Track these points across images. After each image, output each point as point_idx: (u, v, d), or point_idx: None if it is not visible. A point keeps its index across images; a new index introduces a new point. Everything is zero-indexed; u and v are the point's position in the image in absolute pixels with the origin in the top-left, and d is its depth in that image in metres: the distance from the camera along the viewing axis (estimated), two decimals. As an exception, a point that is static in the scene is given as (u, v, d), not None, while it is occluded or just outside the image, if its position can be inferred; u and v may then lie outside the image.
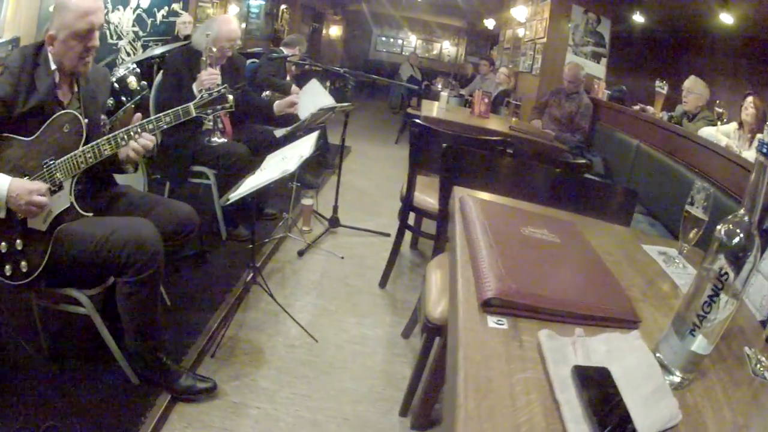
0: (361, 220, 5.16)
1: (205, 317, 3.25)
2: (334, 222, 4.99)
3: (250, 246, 3.52)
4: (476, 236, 1.51)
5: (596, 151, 6.34)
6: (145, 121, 2.55)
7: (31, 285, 2.45)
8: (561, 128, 6.75)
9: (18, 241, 2.35)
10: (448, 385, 1.06)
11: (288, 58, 6.03)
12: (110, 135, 2.48)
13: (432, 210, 3.71)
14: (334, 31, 21.12)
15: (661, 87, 6.26)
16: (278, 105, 4.68)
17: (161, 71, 4.38)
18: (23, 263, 2.36)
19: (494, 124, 6.22)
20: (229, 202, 3.10)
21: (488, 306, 1.19)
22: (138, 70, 4.62)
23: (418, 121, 3.78)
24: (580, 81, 6.93)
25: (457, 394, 0.92)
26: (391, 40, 22.34)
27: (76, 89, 2.62)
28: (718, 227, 1.03)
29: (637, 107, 6.22)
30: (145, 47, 6.88)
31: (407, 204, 3.81)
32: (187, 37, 6.70)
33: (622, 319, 1.22)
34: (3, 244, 2.33)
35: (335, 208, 5.01)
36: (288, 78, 6.44)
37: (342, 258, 4.46)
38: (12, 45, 5.53)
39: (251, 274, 3.60)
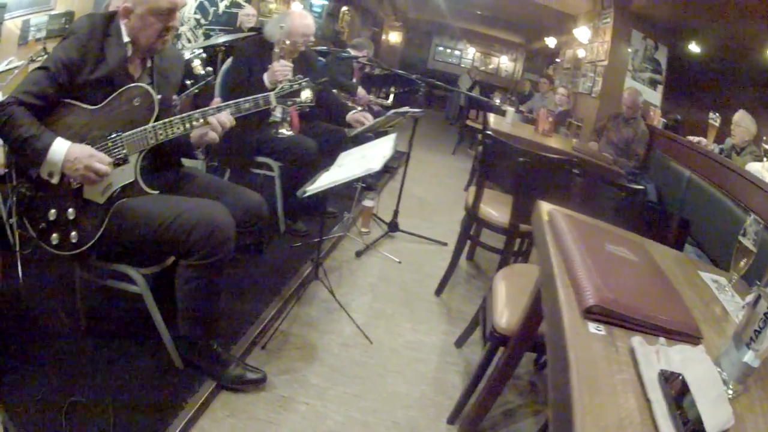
0: (418, 227, 5.11)
1: (258, 308, 3.22)
2: (393, 226, 4.96)
3: (316, 240, 3.48)
4: (569, 248, 1.61)
5: (650, 178, 6.25)
6: (223, 104, 2.52)
7: (79, 257, 2.42)
8: (618, 153, 6.70)
9: (70, 210, 2.33)
10: (555, 382, 1.19)
11: (358, 60, 6.04)
12: (184, 114, 2.45)
13: (495, 222, 3.66)
14: (394, 37, 21.03)
15: (714, 119, 6.14)
16: (349, 116, 4.67)
17: (230, 58, 4.39)
18: (73, 233, 2.33)
19: (557, 142, 6.22)
20: (306, 195, 3.02)
21: (589, 313, 1.30)
22: (204, 54, 4.65)
23: (491, 133, 3.73)
24: (639, 107, 6.89)
25: (571, 391, 1.03)
26: (449, 50, 22.25)
27: (148, 65, 2.59)
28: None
29: (693, 139, 6.10)
30: (207, 36, 6.96)
31: (473, 215, 3.74)
32: (251, 29, 6.75)
33: (690, 335, 1.33)
34: (53, 211, 2.31)
35: (396, 213, 4.98)
36: (354, 80, 6.43)
37: (399, 263, 4.42)
38: (65, 18, 5.58)
39: (312, 269, 3.56)
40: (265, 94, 2.66)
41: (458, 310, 3.83)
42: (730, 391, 1.17)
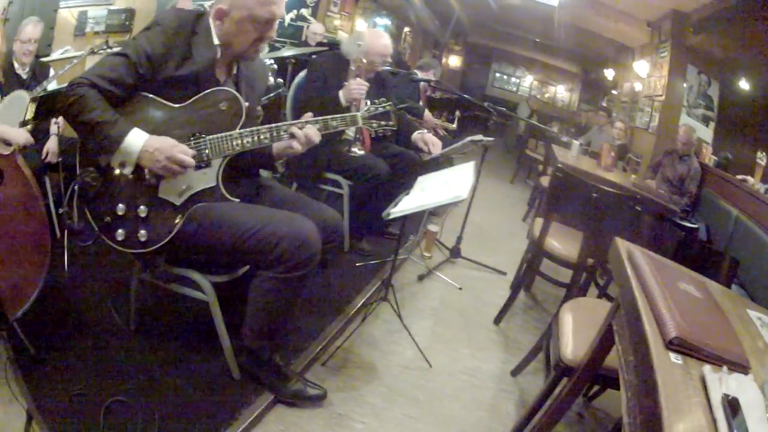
0: (478, 255, 5.11)
1: (320, 324, 3.24)
2: (455, 252, 4.98)
3: (387, 260, 3.52)
4: (650, 284, 1.71)
5: (700, 216, 6.23)
6: (312, 119, 2.50)
7: (144, 257, 2.41)
8: (672, 190, 6.70)
9: (142, 207, 2.26)
10: (640, 403, 1.38)
11: (429, 83, 6.08)
12: (272, 125, 2.40)
13: (560, 255, 3.68)
14: (454, 61, 20.84)
15: (761, 158, 6.08)
16: (415, 135, 4.71)
17: (302, 72, 4.43)
18: (142, 232, 2.27)
19: (617, 177, 6.23)
20: (390, 218, 3.03)
21: (671, 344, 1.43)
22: (275, 66, 4.72)
23: (561, 166, 3.77)
24: (693, 144, 6.88)
25: (661, 410, 1.19)
26: (505, 77, 22.02)
27: (234, 71, 2.55)
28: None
29: (739, 177, 6.04)
30: (272, 48, 7.09)
31: (538, 247, 3.76)
32: (320, 44, 6.84)
33: (743, 365, 1.45)
34: (121, 206, 2.25)
35: (459, 239, 5.00)
36: (421, 102, 6.46)
37: (460, 289, 4.44)
38: (125, 15, 5.68)
39: (381, 289, 3.58)
40: (353, 114, 2.65)
41: (515, 340, 3.83)
42: None
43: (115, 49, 2.38)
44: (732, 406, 1.23)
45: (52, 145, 3.60)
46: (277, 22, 2.41)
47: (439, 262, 4.83)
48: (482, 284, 4.69)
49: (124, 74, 2.20)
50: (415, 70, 6.20)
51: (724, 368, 1.38)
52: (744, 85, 8.55)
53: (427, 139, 4.54)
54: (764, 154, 6.05)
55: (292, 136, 2.45)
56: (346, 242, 4.38)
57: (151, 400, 2.32)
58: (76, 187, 2.33)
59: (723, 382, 1.32)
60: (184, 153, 2.21)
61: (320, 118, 2.52)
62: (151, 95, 2.29)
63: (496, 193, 8.96)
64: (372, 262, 4.24)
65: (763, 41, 6.92)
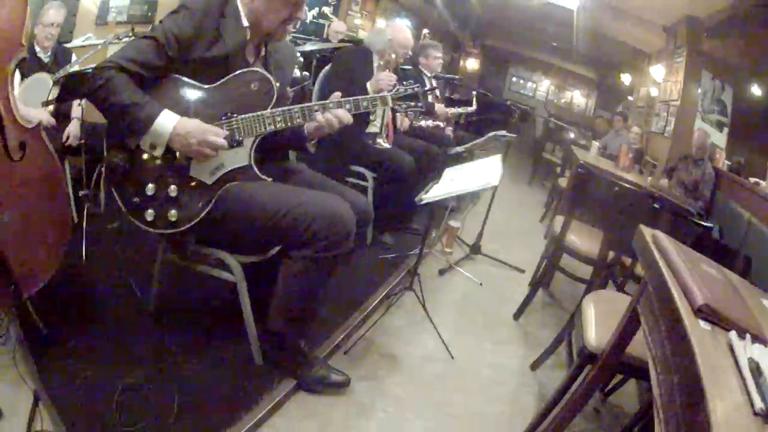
0: (496, 252, 5.16)
1: (344, 314, 3.27)
2: (476, 248, 5.03)
3: (411, 253, 3.57)
4: (675, 261, 1.78)
5: (714, 220, 6.22)
6: (343, 99, 2.47)
7: (173, 237, 2.41)
8: (686, 194, 6.74)
9: (173, 187, 2.27)
10: (678, 365, 1.43)
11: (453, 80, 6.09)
12: (303, 105, 2.39)
13: (580, 251, 3.73)
14: (471, 63, 20.89)
15: None
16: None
17: (327, 66, 4.48)
18: (173, 212, 2.27)
19: (635, 178, 6.31)
20: (423, 202, 3.09)
21: (699, 311, 1.51)
22: (301, 59, 4.77)
23: (584, 163, 3.82)
24: (707, 149, 6.95)
25: (699, 370, 1.25)
26: (522, 81, 21.99)
27: (262, 53, 2.56)
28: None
29: (752, 180, 6.07)
30: (294, 43, 7.15)
31: (559, 243, 3.80)
32: (341, 41, 6.89)
33: (764, 338, 1.51)
34: (150, 186, 2.25)
35: (480, 235, 5.05)
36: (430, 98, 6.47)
37: (480, 284, 4.47)
38: (147, 6, 5.71)
39: (408, 278, 3.63)
40: (383, 94, 2.63)
41: (534, 335, 3.87)
42: None
43: (143, 33, 2.39)
44: (758, 369, 1.30)
45: (73, 128, 3.63)
46: (306, 2, 2.44)
47: (460, 257, 4.87)
48: (501, 280, 4.73)
49: (152, 57, 2.22)
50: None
51: (748, 336, 1.46)
52: (757, 90, 8.58)
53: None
54: None
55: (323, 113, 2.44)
56: (368, 235, 4.40)
57: (168, 385, 2.31)
58: (102, 168, 2.31)
59: (747, 349, 1.39)
60: (216, 135, 2.23)
61: (351, 98, 2.51)
62: (179, 77, 2.31)
63: (514, 194, 8.98)
64: (393, 255, 4.28)
65: None
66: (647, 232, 2.11)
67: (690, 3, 8.17)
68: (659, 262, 1.83)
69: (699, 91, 8.78)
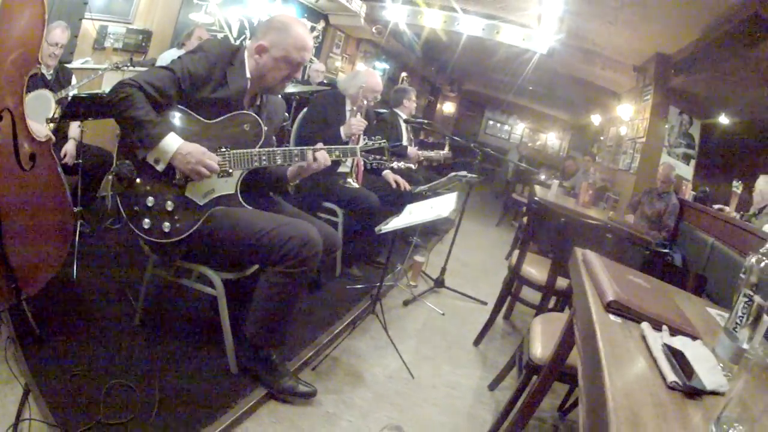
0: (461, 287, 5.35)
1: (312, 334, 3.47)
2: (439, 282, 5.22)
3: (375, 285, 3.78)
4: (595, 268, 2.02)
5: (677, 248, 6.50)
6: (319, 147, 2.80)
7: (163, 250, 2.65)
8: (650, 225, 7.02)
9: (169, 202, 2.56)
10: (585, 350, 1.60)
11: (423, 124, 6.33)
12: (284, 149, 2.73)
13: (534, 280, 3.99)
14: (448, 107, 21.38)
15: (737, 187, 6.36)
16: (386, 173, 5.13)
17: (305, 109, 4.74)
18: (167, 224, 2.55)
19: (595, 213, 6.55)
20: (381, 232, 3.36)
21: (609, 307, 1.68)
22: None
23: (538, 199, 4.07)
24: (672, 181, 7.24)
25: (600, 353, 1.38)
26: (498, 125, 22.40)
27: (257, 103, 2.91)
28: (750, 258, 1.53)
29: (716, 206, 6.34)
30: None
31: (515, 273, 4.05)
32: (321, 84, 7.14)
33: (689, 333, 1.64)
34: (151, 198, 2.53)
35: (443, 270, 5.26)
36: (404, 141, 6.65)
37: (443, 314, 4.67)
38: (142, 36, 5.93)
39: (370, 303, 3.86)
40: (353, 146, 2.98)
41: (493, 360, 4.05)
42: (722, 366, 1.46)
43: (163, 64, 2.66)
44: (673, 352, 1.42)
45: (70, 147, 3.84)
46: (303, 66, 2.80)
47: (424, 290, 5.07)
48: (464, 312, 4.92)
49: (167, 85, 2.55)
50: (394, 108, 6.30)
51: (665, 328, 1.61)
52: (724, 119, 8.99)
53: (398, 180, 5.01)
54: (740, 182, 6.33)
55: (314, 158, 2.78)
56: (337, 267, 4.65)
57: (151, 386, 2.52)
58: (110, 176, 2.57)
59: (664, 337, 1.54)
60: (211, 159, 2.55)
61: (326, 147, 2.84)
62: (186, 109, 2.65)
63: (482, 235, 9.23)
64: (361, 285, 4.51)
65: (740, 76, 7.26)
66: (579, 251, 2.37)
67: (659, 41, 8.48)
68: (582, 273, 2.07)
69: (666, 126, 9.10)
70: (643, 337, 1.56)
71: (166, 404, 2.45)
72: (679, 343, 1.50)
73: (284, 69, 2.74)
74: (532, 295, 4.28)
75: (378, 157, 3.04)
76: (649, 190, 7.52)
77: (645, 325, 1.61)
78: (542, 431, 3.27)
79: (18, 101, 2.30)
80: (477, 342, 4.24)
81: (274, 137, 3.18)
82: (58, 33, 3.97)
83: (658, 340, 1.51)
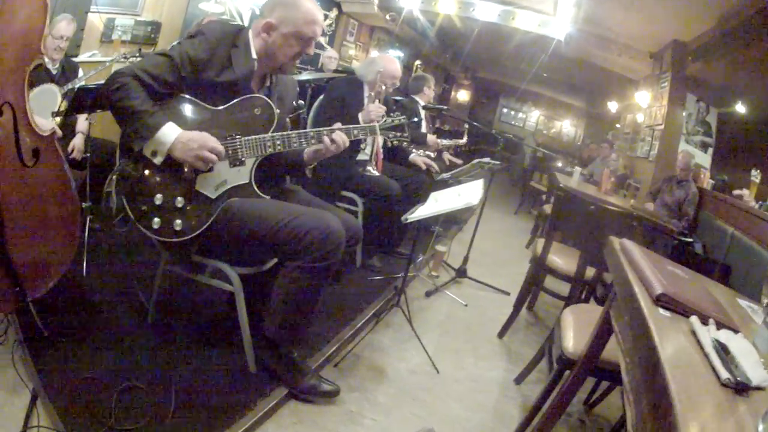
0: (482, 276, 5.26)
1: (334, 329, 3.36)
2: (461, 272, 5.13)
3: (397, 276, 3.70)
4: (637, 260, 1.92)
5: (698, 237, 6.35)
6: (336, 127, 2.65)
7: (176, 247, 2.51)
8: (670, 214, 6.88)
9: (179, 198, 2.40)
10: (637, 346, 1.52)
11: (442, 110, 6.22)
12: (300, 131, 2.58)
13: (561, 270, 3.86)
14: (463, 95, 21.23)
15: (755, 176, 6.24)
16: (413, 157, 4.99)
17: (321, 96, 4.67)
18: (178, 221, 2.40)
19: (616, 201, 6.48)
20: (408, 221, 3.25)
21: (659, 300, 1.61)
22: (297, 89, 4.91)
23: (563, 186, 3.96)
24: (691, 170, 7.12)
25: (656, 347, 1.32)
26: (512, 112, 22.28)
27: (267, 85, 2.74)
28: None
29: (736, 192, 6.22)
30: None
31: (541, 263, 3.93)
32: (336, 71, 7.04)
33: (732, 327, 1.59)
34: (159, 196, 2.38)
35: (465, 259, 5.17)
36: (423, 128, 6.57)
37: (466, 305, 4.58)
38: (151, 27, 5.84)
39: (395, 296, 3.77)
40: (372, 124, 2.82)
41: (518, 353, 3.95)
42: (763, 360, 1.40)
43: (160, 50, 2.53)
44: (723, 348, 1.38)
45: (78, 142, 3.75)
46: (314, 42, 2.62)
47: (446, 280, 4.97)
48: (486, 302, 4.83)
49: (165, 72, 2.39)
50: (412, 96, 6.24)
51: (711, 321, 1.55)
52: (740, 108, 8.82)
53: (428, 162, 4.95)
54: (758, 171, 6.21)
55: (332, 141, 2.63)
56: (358, 258, 4.55)
57: (166, 388, 2.39)
58: (114, 177, 2.42)
59: (711, 331, 1.48)
60: (215, 142, 2.39)
61: (344, 126, 2.69)
62: (190, 97, 2.48)
63: (501, 223, 9.14)
64: (381, 277, 4.40)
65: (758, 65, 7.12)
66: (616, 241, 2.25)
67: (675, 28, 8.35)
68: (623, 263, 1.97)
69: (684, 114, 8.97)
70: (693, 332, 1.50)
71: (182, 407, 2.33)
72: (724, 336, 1.47)
73: (295, 45, 2.56)
74: (556, 285, 4.18)
75: (398, 134, 2.89)
76: (668, 178, 7.39)
77: (694, 319, 1.55)
78: (569, 426, 3.17)
79: (19, 95, 2.19)
80: (501, 334, 4.14)
81: (288, 119, 3.03)
82: (64, 26, 3.88)
83: (706, 335, 1.45)
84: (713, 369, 1.30)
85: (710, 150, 9.29)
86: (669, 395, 1.13)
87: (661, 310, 1.58)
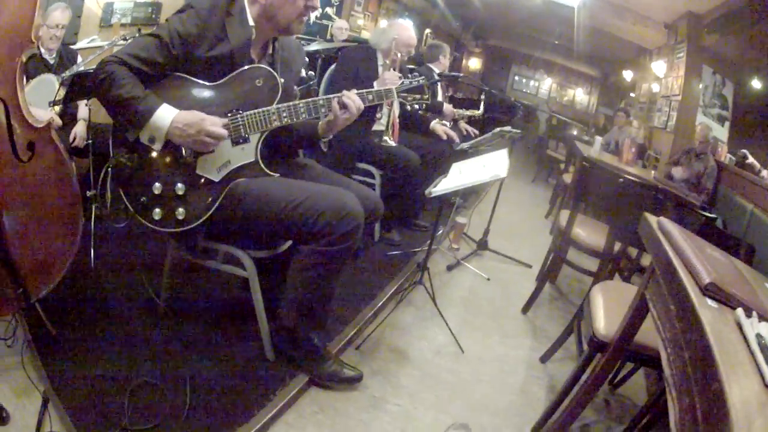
0: (503, 248, 5.16)
1: (354, 310, 3.26)
2: (483, 244, 5.05)
3: (418, 249, 3.59)
4: (679, 243, 1.82)
5: (717, 212, 6.23)
6: (346, 92, 2.44)
7: (182, 235, 2.37)
8: (689, 187, 6.72)
9: (179, 185, 2.27)
10: (687, 338, 1.46)
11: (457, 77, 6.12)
12: (308, 100, 2.37)
13: (587, 244, 3.75)
14: (474, 63, 20.91)
15: None
16: (434, 125, 4.85)
17: (332, 66, 4.52)
18: (180, 210, 2.27)
19: (638, 172, 6.42)
20: (432, 195, 3.12)
21: (706, 290, 1.53)
22: (306, 59, 4.79)
23: (588, 157, 3.85)
24: (709, 142, 7.00)
25: (709, 341, 1.27)
26: (524, 80, 21.94)
27: (270, 52, 2.54)
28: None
29: (756, 167, 6.13)
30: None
31: (566, 237, 3.81)
32: (345, 40, 6.92)
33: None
34: (157, 185, 2.26)
35: (486, 231, 5.07)
36: (440, 97, 6.46)
37: (488, 279, 4.49)
38: (151, 8, 5.72)
39: (418, 273, 3.67)
40: (388, 87, 2.59)
41: (542, 329, 3.87)
42: None
43: (147, 31, 2.37)
44: (767, 345, 1.32)
45: (80, 129, 3.62)
46: None
47: (467, 253, 4.89)
48: (509, 276, 4.75)
49: (155, 54, 2.22)
50: (427, 64, 6.11)
51: (755, 314, 1.47)
52: (757, 84, 8.68)
53: (448, 132, 4.80)
54: None
55: (343, 106, 2.44)
56: (376, 233, 4.44)
57: (180, 383, 2.30)
58: (109, 169, 2.28)
59: (754, 324, 1.41)
60: (213, 123, 2.22)
61: (357, 91, 2.49)
62: (184, 75, 2.30)
63: (519, 192, 9.02)
64: (401, 252, 4.30)
65: None
66: (652, 219, 2.14)
67: (689, -1, 8.18)
68: (665, 245, 1.85)
69: (700, 86, 8.83)
70: (739, 326, 1.44)
71: (198, 402, 2.23)
72: (765, 331, 1.39)
73: (298, 1, 2.32)
74: (579, 258, 4.07)
75: (417, 96, 2.68)
76: (687, 150, 7.23)
77: (740, 312, 1.48)
78: (593, 406, 3.06)
79: (11, 89, 2.06)
80: (525, 309, 4.05)
81: (296, 88, 2.86)
82: (58, 14, 3.76)
83: (751, 330, 1.40)
84: (758, 369, 1.25)
85: (727, 124, 9.18)
86: (724, 401, 1.09)
87: (709, 301, 1.51)
